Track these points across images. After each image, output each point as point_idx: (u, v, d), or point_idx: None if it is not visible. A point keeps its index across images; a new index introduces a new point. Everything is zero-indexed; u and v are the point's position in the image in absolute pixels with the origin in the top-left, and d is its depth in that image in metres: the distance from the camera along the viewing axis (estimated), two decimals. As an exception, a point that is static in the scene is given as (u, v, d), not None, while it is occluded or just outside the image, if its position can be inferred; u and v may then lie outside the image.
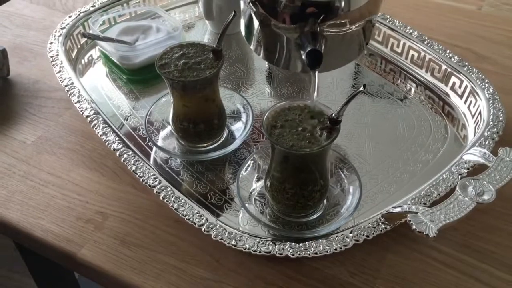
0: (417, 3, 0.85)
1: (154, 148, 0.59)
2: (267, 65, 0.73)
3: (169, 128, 0.61)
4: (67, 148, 0.61)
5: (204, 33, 0.80)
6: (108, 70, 0.72)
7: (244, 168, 0.55)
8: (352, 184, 0.52)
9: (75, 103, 0.61)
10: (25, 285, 1.25)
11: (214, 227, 0.47)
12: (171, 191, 0.51)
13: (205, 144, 0.59)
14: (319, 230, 0.49)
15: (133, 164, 0.54)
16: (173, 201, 0.50)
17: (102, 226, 0.52)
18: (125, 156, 0.55)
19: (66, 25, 0.73)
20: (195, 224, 0.48)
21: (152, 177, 0.52)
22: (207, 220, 0.48)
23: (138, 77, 0.70)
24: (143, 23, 0.75)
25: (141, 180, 0.52)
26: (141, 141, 0.60)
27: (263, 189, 0.53)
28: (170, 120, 0.58)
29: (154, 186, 0.51)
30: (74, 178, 0.57)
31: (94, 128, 0.58)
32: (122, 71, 0.70)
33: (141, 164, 0.54)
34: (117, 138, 0.56)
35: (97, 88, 0.69)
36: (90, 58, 0.75)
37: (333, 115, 0.45)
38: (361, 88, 0.43)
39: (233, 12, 0.52)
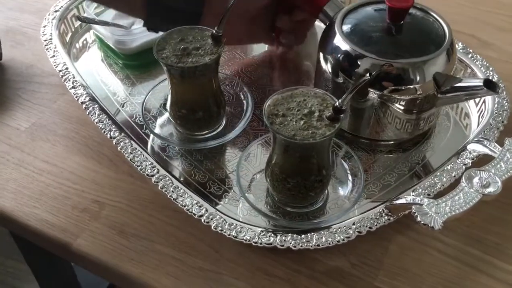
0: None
1: (152, 136, 0.58)
2: (267, 50, 0.71)
3: (166, 115, 0.59)
4: (62, 135, 0.59)
5: (202, 17, 0.78)
6: (104, 54, 0.70)
7: (244, 157, 0.54)
8: (354, 175, 0.51)
9: (69, 89, 0.60)
10: (20, 272, 1.24)
11: (214, 218, 0.46)
12: (169, 181, 0.49)
13: (204, 132, 0.58)
14: (320, 221, 0.48)
15: (130, 153, 0.52)
16: (172, 191, 0.49)
17: (99, 215, 0.51)
18: (121, 144, 0.53)
19: (60, 8, 0.71)
20: (195, 214, 0.47)
21: (150, 166, 0.51)
22: (206, 210, 0.47)
23: (134, 62, 0.68)
24: (139, 6, 0.73)
25: (138, 169, 0.51)
26: (138, 129, 0.58)
27: (263, 178, 0.51)
28: (168, 107, 0.57)
29: (152, 175, 0.50)
30: (69, 166, 0.56)
31: (90, 115, 0.56)
32: (118, 56, 0.69)
33: (139, 152, 0.52)
34: (113, 126, 0.55)
35: (92, 73, 0.67)
36: (84, 42, 0.73)
37: (337, 104, 0.44)
38: (367, 77, 0.42)
39: (234, -4, 0.50)
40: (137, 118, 0.60)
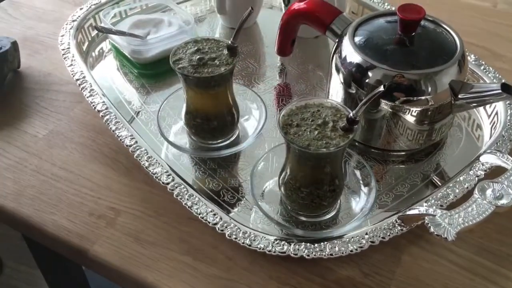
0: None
1: (166, 144, 0.59)
2: (279, 61, 0.72)
3: (181, 123, 0.60)
4: (78, 142, 0.60)
5: (215, 27, 0.79)
6: (119, 63, 0.72)
7: (258, 165, 0.54)
8: (366, 185, 0.52)
9: (87, 97, 0.61)
10: (32, 277, 1.25)
11: (229, 226, 0.47)
12: (184, 189, 0.50)
13: (218, 141, 0.59)
14: (333, 230, 0.48)
15: (146, 161, 0.53)
16: (187, 199, 0.49)
17: (114, 222, 0.51)
18: (137, 152, 0.54)
19: (77, 18, 0.73)
20: (209, 222, 0.47)
21: (166, 174, 0.52)
22: (221, 218, 0.48)
23: (149, 72, 0.69)
24: (154, 16, 0.75)
25: (154, 177, 0.52)
26: (152, 137, 0.59)
27: (276, 187, 0.52)
28: (182, 116, 0.58)
29: (168, 184, 0.51)
30: (86, 173, 0.57)
31: (107, 123, 0.57)
32: (133, 65, 0.70)
33: (154, 160, 0.53)
34: (129, 134, 0.56)
35: (108, 81, 0.68)
36: (100, 51, 0.74)
37: (351, 114, 0.45)
38: (381, 88, 0.42)
39: (250, 8, 0.51)
40: (152, 127, 0.61)
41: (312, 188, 0.48)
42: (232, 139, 0.59)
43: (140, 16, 0.75)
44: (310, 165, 0.47)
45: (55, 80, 0.69)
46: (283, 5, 0.74)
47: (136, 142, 0.55)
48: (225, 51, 0.54)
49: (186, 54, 0.54)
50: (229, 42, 0.54)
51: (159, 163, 0.53)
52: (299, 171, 0.48)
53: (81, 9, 0.74)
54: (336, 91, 0.58)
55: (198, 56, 0.53)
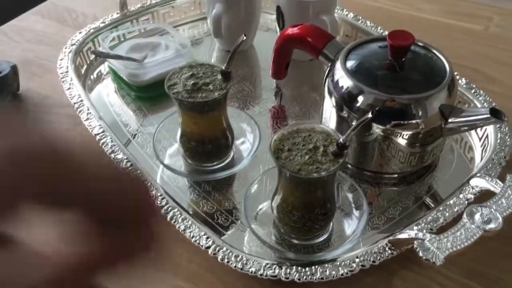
0: (424, 22, 0.86)
1: (161, 167, 0.59)
2: (274, 84, 0.73)
3: (176, 146, 0.61)
4: (75, 165, 0.61)
5: (212, 50, 0.81)
6: (117, 86, 0.73)
7: (251, 188, 0.55)
8: (358, 208, 0.52)
9: (84, 120, 0.62)
10: None
11: (221, 250, 0.48)
12: (178, 212, 0.51)
13: (213, 164, 0.59)
14: (325, 253, 0.49)
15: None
16: (180, 222, 0.50)
17: (109, 245, 0.52)
18: (133, 175, 0.55)
19: (76, 42, 0.74)
20: (202, 246, 0.48)
21: (160, 197, 0.52)
22: (213, 242, 0.48)
23: (146, 94, 0.71)
24: (152, 40, 0.76)
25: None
26: (148, 159, 0.60)
27: (269, 209, 0.53)
28: (177, 139, 0.59)
29: (162, 207, 0.52)
30: (82, 196, 0.57)
31: (103, 146, 0.58)
32: (130, 87, 0.71)
33: (149, 184, 0.54)
34: (125, 157, 0.57)
35: (106, 104, 0.69)
36: (99, 73, 0.76)
37: (341, 140, 0.45)
38: (369, 115, 0.43)
39: (243, 35, 0.52)
40: (148, 149, 0.62)
41: (303, 211, 0.48)
42: (226, 161, 0.60)
43: (137, 39, 0.76)
44: (301, 189, 0.48)
45: (53, 102, 0.70)
46: (278, 29, 0.76)
47: (132, 165, 0.56)
48: (219, 76, 0.55)
49: (180, 79, 0.55)
50: (223, 67, 0.55)
51: (153, 186, 0.54)
52: (291, 195, 0.49)
53: (80, 33, 0.76)
54: (329, 114, 0.59)
55: (192, 81, 0.54)
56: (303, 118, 0.68)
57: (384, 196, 0.56)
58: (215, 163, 0.60)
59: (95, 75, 0.75)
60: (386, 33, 0.57)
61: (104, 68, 0.76)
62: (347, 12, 0.80)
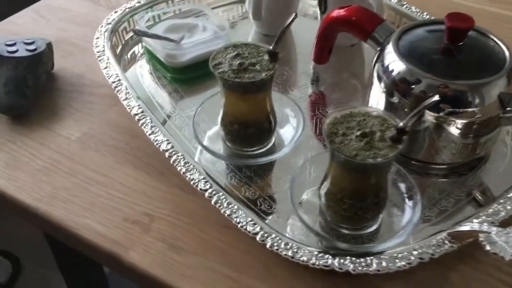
0: (470, 11, 0.82)
1: (199, 150, 0.57)
2: (311, 69, 0.71)
3: (215, 130, 0.59)
4: (112, 145, 0.60)
5: (248, 34, 0.78)
6: (152, 68, 0.71)
7: (296, 175, 0.53)
8: (410, 198, 0.50)
9: (122, 100, 0.60)
10: (51, 280, 1.25)
11: (269, 237, 0.45)
12: (223, 196, 0.49)
13: (254, 148, 0.57)
14: (377, 245, 0.46)
15: (183, 166, 0.52)
16: (226, 207, 0.48)
17: (149, 228, 0.50)
18: (174, 157, 0.53)
19: (112, 21, 0.72)
20: (249, 232, 0.46)
21: (203, 180, 0.50)
22: (261, 228, 0.46)
23: (182, 76, 0.69)
24: (188, 21, 0.74)
25: (191, 183, 0.50)
26: (187, 142, 0.58)
27: (314, 197, 0.51)
28: (218, 121, 0.56)
29: (205, 190, 0.49)
30: (119, 177, 0.56)
31: (142, 127, 0.56)
32: (166, 69, 0.69)
33: (191, 166, 0.52)
34: (165, 139, 0.55)
35: (141, 85, 0.67)
36: (132, 55, 0.74)
37: (401, 124, 0.43)
38: (436, 97, 0.41)
39: (294, 14, 0.50)
40: (186, 132, 0.60)
41: (355, 200, 0.46)
42: (268, 146, 0.58)
43: (174, 20, 0.74)
44: (354, 176, 0.45)
45: (88, 82, 0.68)
46: (318, 12, 0.73)
47: (173, 147, 0.54)
48: (266, 57, 0.53)
49: (226, 59, 0.53)
50: (270, 47, 0.53)
51: (196, 169, 0.52)
52: (342, 182, 0.46)
53: (115, 12, 0.74)
54: (377, 100, 0.57)
55: (238, 61, 0.52)
56: (344, 105, 0.65)
57: (435, 188, 0.54)
58: (256, 148, 0.57)
59: (129, 56, 0.73)
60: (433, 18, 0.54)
61: (138, 49, 0.74)
62: (390, -3, 0.76)
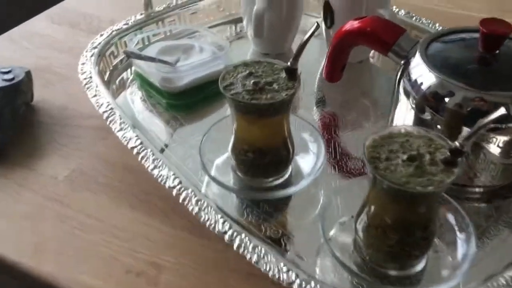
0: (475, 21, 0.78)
1: (205, 183, 0.50)
2: (316, 88, 0.66)
3: (222, 159, 0.52)
4: (104, 183, 0.52)
5: (246, 54, 0.72)
6: (145, 94, 0.64)
7: (325, 206, 0.46)
8: (461, 230, 0.43)
9: (116, 131, 0.52)
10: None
11: (308, 284, 0.38)
12: (247, 238, 0.41)
13: (270, 179, 0.50)
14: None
15: (195, 205, 0.44)
16: (251, 251, 0.40)
17: (158, 281, 0.42)
18: (184, 194, 0.45)
19: (98, 44, 0.65)
20: (283, 281, 0.38)
21: (221, 220, 0.43)
22: (297, 276, 0.39)
23: (179, 102, 0.62)
24: (183, 42, 0.68)
25: (207, 224, 0.43)
26: (194, 176, 0.51)
27: (343, 232, 0.44)
28: (229, 150, 0.50)
29: (225, 233, 0.42)
30: (116, 220, 0.48)
31: (143, 162, 0.49)
32: (161, 95, 0.62)
33: (205, 204, 0.44)
34: (171, 173, 0.47)
35: (134, 114, 0.60)
36: (121, 81, 0.66)
37: (457, 144, 0.37)
38: (502, 111, 0.35)
39: (316, 23, 0.44)
40: (191, 164, 0.53)
41: (403, 234, 0.39)
42: (285, 176, 0.51)
43: (166, 42, 0.68)
44: (402, 206, 0.39)
45: (73, 113, 0.61)
46: (323, 27, 0.67)
47: (181, 182, 0.46)
48: (283, 74, 0.46)
49: (237, 79, 0.46)
50: (288, 64, 0.46)
51: (210, 207, 0.44)
52: (386, 214, 0.40)
53: (101, 35, 0.67)
54: (403, 118, 0.51)
55: (252, 80, 0.45)
56: (362, 126, 0.60)
57: (480, 214, 0.47)
58: (273, 179, 0.50)
59: (117, 83, 0.66)
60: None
61: (127, 75, 0.67)
62: (397, 9, 0.72)
